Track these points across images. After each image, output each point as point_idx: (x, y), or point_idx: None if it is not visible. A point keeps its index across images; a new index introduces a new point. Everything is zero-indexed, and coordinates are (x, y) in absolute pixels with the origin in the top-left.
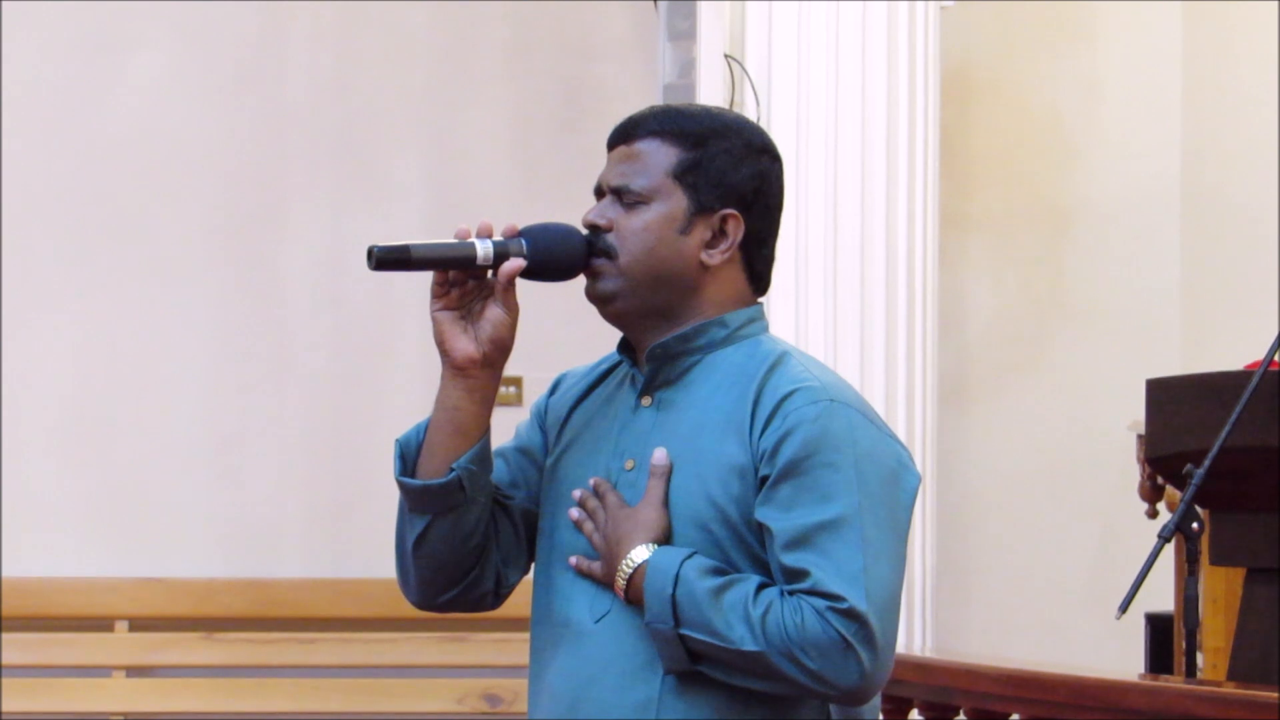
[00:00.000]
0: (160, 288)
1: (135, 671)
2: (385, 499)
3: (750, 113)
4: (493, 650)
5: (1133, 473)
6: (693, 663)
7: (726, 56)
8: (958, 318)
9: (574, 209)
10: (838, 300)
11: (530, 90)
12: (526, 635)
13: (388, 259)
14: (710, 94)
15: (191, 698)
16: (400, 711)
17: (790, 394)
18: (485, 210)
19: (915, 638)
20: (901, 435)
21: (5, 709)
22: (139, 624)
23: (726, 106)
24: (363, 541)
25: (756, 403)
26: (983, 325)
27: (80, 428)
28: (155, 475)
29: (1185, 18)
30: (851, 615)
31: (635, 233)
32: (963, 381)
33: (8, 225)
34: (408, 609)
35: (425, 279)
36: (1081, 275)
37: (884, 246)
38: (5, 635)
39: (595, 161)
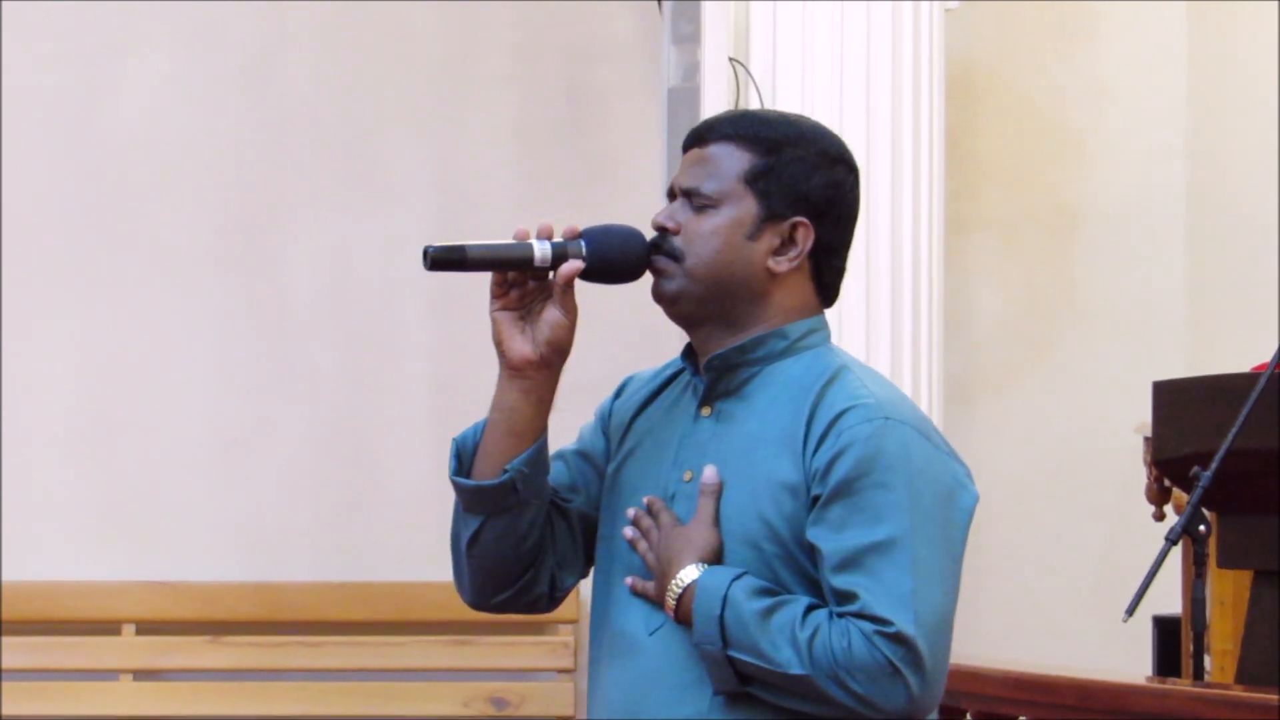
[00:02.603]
0: (166, 291)
1: (142, 675)
2: (392, 502)
3: None
4: (500, 654)
5: (1139, 475)
6: (742, 684)
7: (731, 59)
8: (963, 320)
9: (578, 211)
10: (843, 301)
11: (534, 93)
12: (533, 639)
13: (443, 259)
14: (714, 97)
15: (199, 701)
16: (407, 715)
17: (845, 411)
18: (489, 212)
19: None
20: None
21: (11, 713)
22: (146, 627)
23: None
24: (370, 545)
25: (811, 419)
26: (988, 327)
27: (86, 431)
28: (162, 479)
29: (1190, 18)
30: (899, 640)
31: (702, 236)
32: (968, 383)
33: (12, 229)
34: (414, 612)
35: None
36: (1087, 277)
37: (889, 248)
38: (12, 639)
39: (600, 164)
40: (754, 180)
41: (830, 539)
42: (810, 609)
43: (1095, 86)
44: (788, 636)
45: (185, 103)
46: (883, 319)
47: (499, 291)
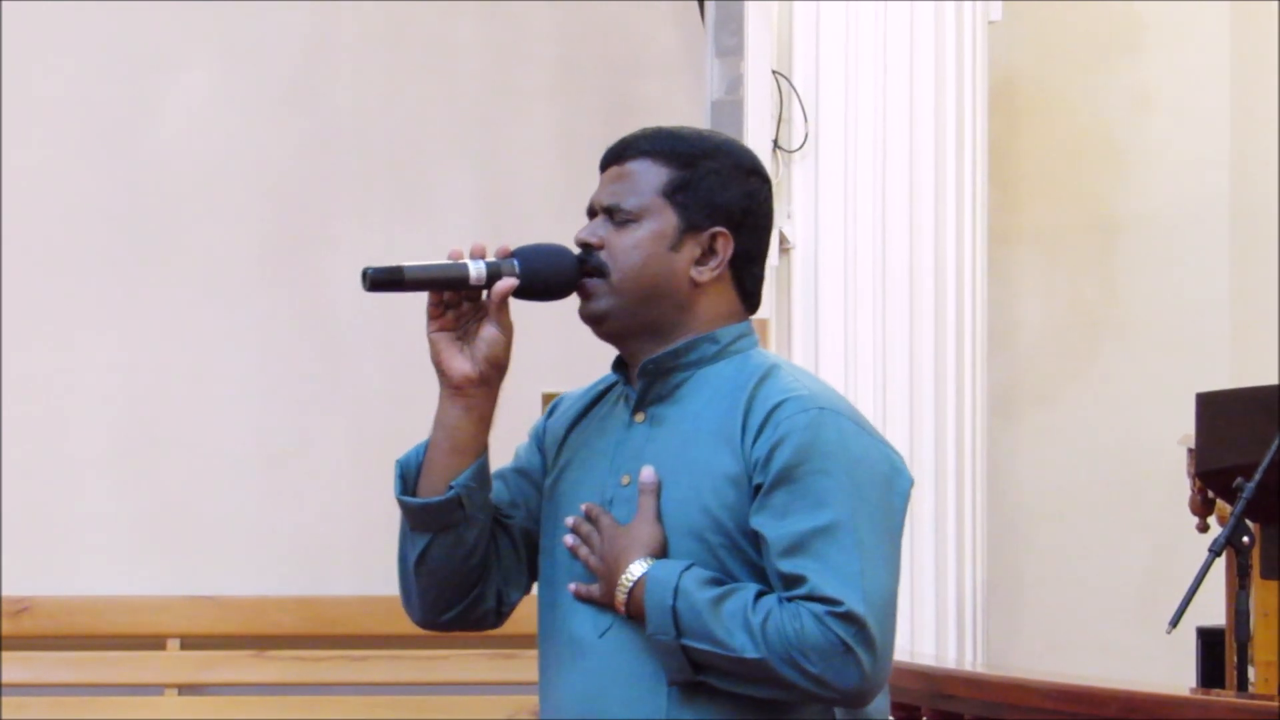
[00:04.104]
0: (210, 306)
1: (187, 689)
2: None
3: (798, 128)
4: None
5: (1183, 486)
6: (696, 673)
7: (774, 72)
8: (1007, 331)
9: None
10: (887, 314)
11: (578, 107)
12: None
13: (382, 280)
14: (758, 110)
15: (243, 716)
16: None
17: (781, 403)
18: (533, 227)
19: (966, 652)
20: (951, 448)
21: None
22: (190, 642)
23: (774, 122)
24: None
25: (748, 412)
26: (1032, 338)
27: (131, 446)
28: (207, 493)
29: (1233, 29)
30: (850, 618)
31: (626, 250)
32: (1012, 395)
33: (57, 245)
34: None
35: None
36: (1131, 288)
37: (933, 260)
38: (58, 654)
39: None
40: (673, 193)
41: (775, 525)
42: (760, 594)
43: (1138, 98)
44: (741, 622)
45: (230, 117)
46: (926, 331)
47: (435, 313)
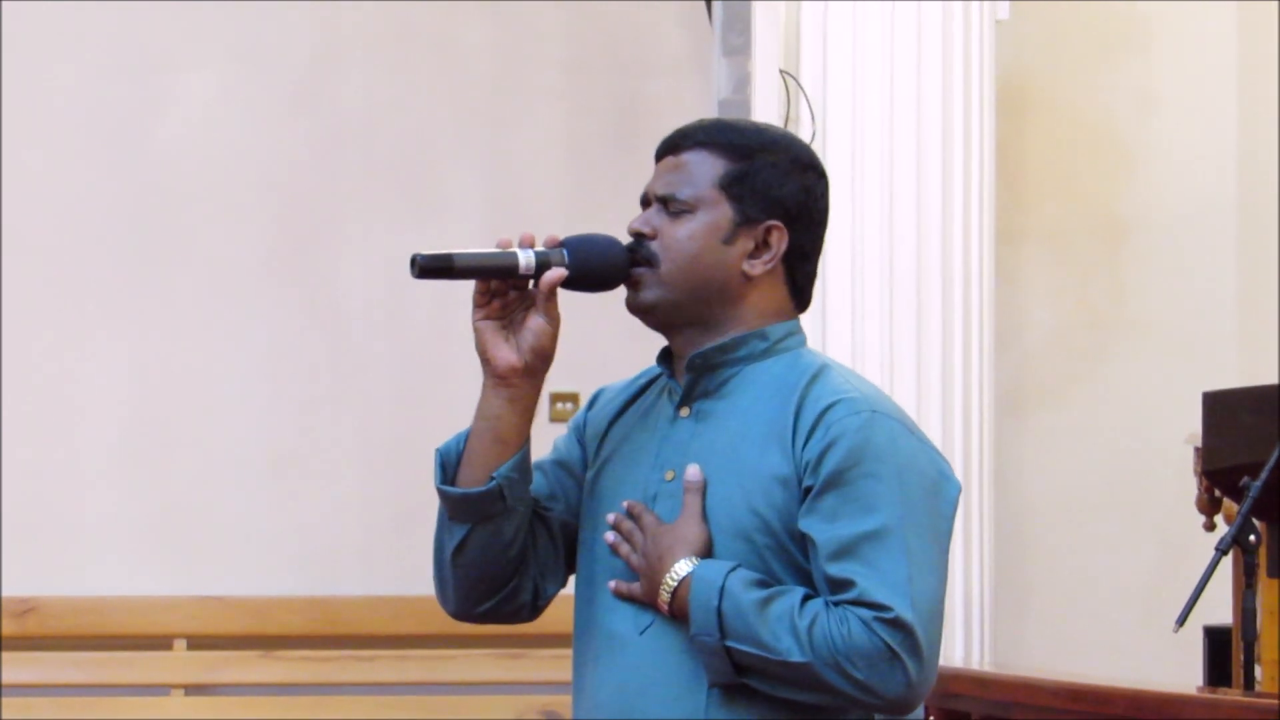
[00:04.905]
0: (218, 307)
1: (194, 690)
2: None
3: (805, 127)
4: (551, 666)
5: (1190, 485)
6: (738, 675)
7: (781, 72)
8: (1014, 331)
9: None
10: (894, 314)
11: (586, 107)
12: None
13: (431, 267)
14: (765, 109)
15: (250, 716)
16: None
17: (833, 405)
18: (541, 227)
19: (973, 651)
20: (958, 448)
21: None
22: (198, 642)
23: (781, 122)
24: (422, 558)
25: (799, 413)
26: (1039, 338)
27: (139, 447)
28: (214, 493)
29: (1240, 28)
30: (897, 625)
31: (679, 241)
32: (1019, 394)
33: (64, 246)
34: (466, 626)
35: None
36: (1138, 288)
37: (940, 260)
38: (65, 654)
39: (650, 177)
40: (729, 185)
41: (824, 529)
42: (807, 598)
43: (1146, 97)
44: (787, 625)
45: (238, 117)
46: (933, 331)
47: (482, 301)
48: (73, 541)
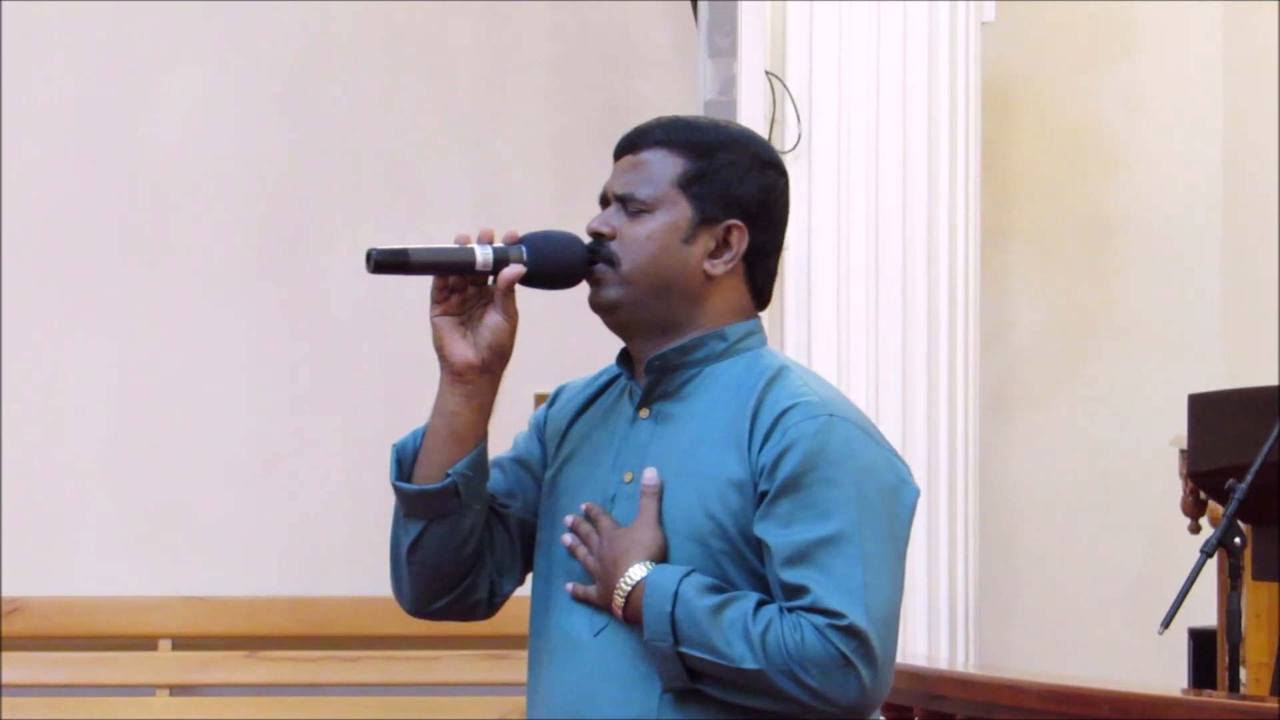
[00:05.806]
0: (205, 306)
1: (179, 690)
2: None
3: (791, 129)
4: None
5: (1175, 487)
6: (692, 681)
7: (767, 73)
8: (1000, 332)
9: None
10: (880, 314)
11: (572, 107)
12: None
13: (386, 262)
14: (751, 110)
15: (235, 716)
16: None
17: (790, 408)
18: (527, 226)
19: (958, 653)
20: (943, 448)
21: None
22: (182, 643)
23: (767, 123)
24: None
25: (755, 416)
26: (1025, 339)
27: (124, 447)
28: (199, 494)
29: (1226, 30)
30: (851, 632)
31: (639, 240)
32: (1005, 396)
33: (52, 245)
34: (451, 627)
35: None
36: (1124, 289)
37: (925, 261)
38: (49, 654)
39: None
40: (688, 184)
41: (779, 534)
42: (761, 604)
43: (1132, 99)
44: (740, 631)
45: (225, 117)
46: (919, 331)
47: (439, 297)
48: (59, 542)
